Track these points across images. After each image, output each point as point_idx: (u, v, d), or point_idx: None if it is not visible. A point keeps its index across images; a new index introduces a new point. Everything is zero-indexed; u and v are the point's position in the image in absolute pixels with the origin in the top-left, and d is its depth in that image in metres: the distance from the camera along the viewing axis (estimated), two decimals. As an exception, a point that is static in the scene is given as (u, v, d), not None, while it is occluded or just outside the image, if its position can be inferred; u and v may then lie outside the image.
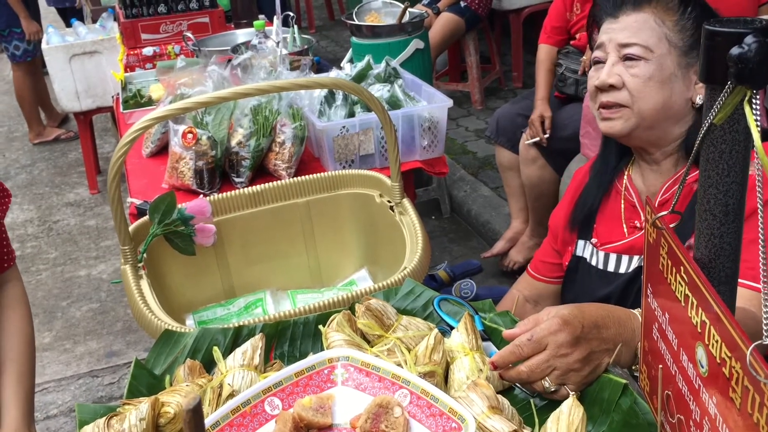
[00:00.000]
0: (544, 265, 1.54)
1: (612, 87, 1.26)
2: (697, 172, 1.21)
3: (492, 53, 4.99)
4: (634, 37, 1.25)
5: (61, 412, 2.57)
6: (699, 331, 0.66)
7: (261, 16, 3.88)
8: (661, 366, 0.77)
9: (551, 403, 0.99)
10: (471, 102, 4.83)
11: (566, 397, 0.97)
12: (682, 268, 0.69)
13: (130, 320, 3.08)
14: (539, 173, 2.86)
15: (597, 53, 1.30)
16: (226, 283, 1.68)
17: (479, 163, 4.09)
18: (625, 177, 1.39)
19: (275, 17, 2.77)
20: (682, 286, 0.69)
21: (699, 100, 1.27)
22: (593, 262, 1.38)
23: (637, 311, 1.02)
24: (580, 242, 1.43)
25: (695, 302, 0.66)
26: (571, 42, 2.85)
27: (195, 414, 0.40)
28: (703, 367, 0.66)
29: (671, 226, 0.74)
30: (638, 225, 1.34)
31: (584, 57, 2.71)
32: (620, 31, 1.26)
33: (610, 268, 1.34)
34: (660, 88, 1.24)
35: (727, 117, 0.58)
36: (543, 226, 3.08)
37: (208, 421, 0.82)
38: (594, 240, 1.39)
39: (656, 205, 1.33)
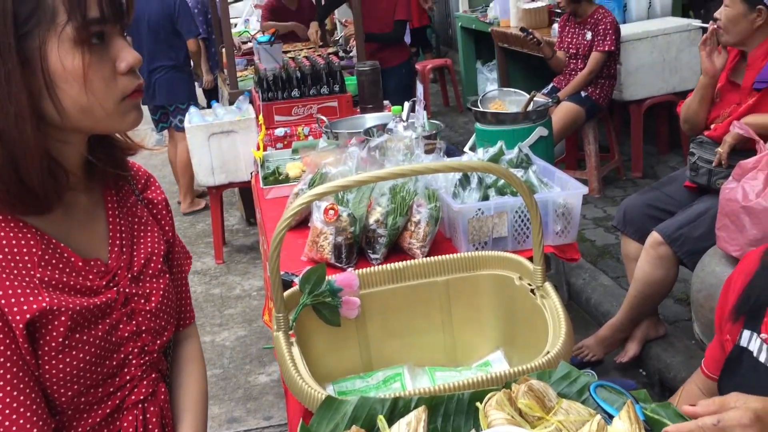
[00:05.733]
0: (714, 362, 1.48)
1: None
2: None
3: (611, 142, 4.97)
4: None
5: (183, 474, 2.63)
6: None
7: (386, 102, 4.07)
8: None
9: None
10: (589, 190, 4.78)
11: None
12: None
13: (250, 388, 3.16)
14: (663, 274, 2.77)
15: None
16: (364, 356, 1.71)
17: (598, 252, 4.03)
18: None
19: (410, 101, 2.89)
20: None
21: None
22: (762, 359, 1.31)
23: None
24: (746, 332, 1.36)
25: None
26: (705, 132, 2.81)
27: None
28: None
29: None
30: None
31: (719, 149, 2.67)
32: None
33: None
34: None
35: None
36: (636, 323, 3.00)
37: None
38: (764, 335, 1.33)
39: None
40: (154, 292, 1.24)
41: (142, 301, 1.22)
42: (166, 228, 1.35)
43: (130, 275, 1.21)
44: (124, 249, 1.23)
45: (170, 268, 1.36)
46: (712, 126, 2.79)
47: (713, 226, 2.46)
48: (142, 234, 1.28)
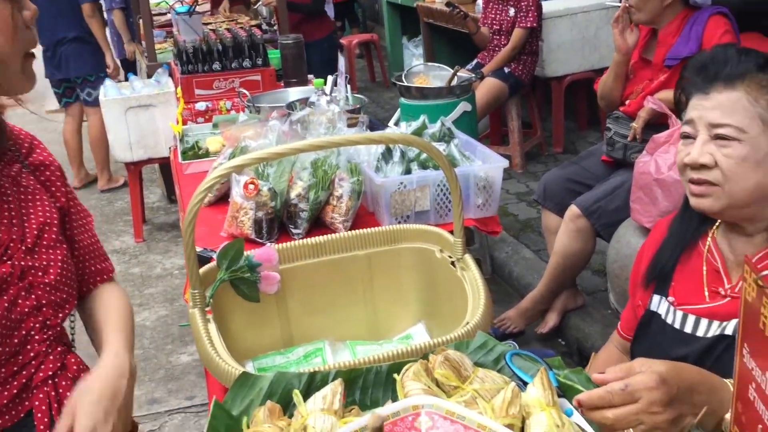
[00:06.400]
0: (629, 325, 1.52)
1: (703, 166, 1.25)
2: None
3: (533, 118, 5.06)
4: (726, 118, 1.22)
5: (101, 458, 2.56)
6: (810, 389, 0.66)
7: (310, 76, 4.01)
8: (760, 426, 0.76)
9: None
10: (512, 165, 4.86)
11: (645, 453, 0.96)
12: (788, 325, 0.69)
13: (171, 368, 3.09)
14: (581, 246, 2.85)
15: (686, 128, 1.29)
16: (285, 331, 1.69)
17: (520, 226, 4.10)
18: (709, 239, 1.37)
19: (334, 75, 2.85)
20: (788, 343, 0.69)
21: None
22: (669, 320, 1.36)
23: (729, 382, 1.01)
24: (656, 297, 1.41)
25: (805, 360, 0.66)
26: (620, 108, 2.88)
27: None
28: (813, 426, 0.66)
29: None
30: (722, 292, 1.32)
31: (634, 124, 2.74)
32: (711, 109, 1.24)
33: (687, 329, 1.33)
34: (754, 169, 1.22)
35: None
36: (555, 295, 3.10)
37: (298, 461, 0.83)
38: (671, 298, 1.38)
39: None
40: (51, 263, 1.18)
41: (40, 273, 1.17)
42: (58, 194, 1.28)
43: (24, 248, 1.15)
44: (14, 221, 1.16)
45: (72, 230, 1.30)
46: (627, 102, 2.86)
47: (628, 199, 2.53)
48: (30, 204, 1.21)
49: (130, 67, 5.77)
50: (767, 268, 1.23)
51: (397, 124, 3.23)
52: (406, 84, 3.45)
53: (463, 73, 3.55)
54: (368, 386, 1.15)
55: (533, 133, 5.08)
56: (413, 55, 7.02)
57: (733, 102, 1.23)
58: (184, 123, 3.69)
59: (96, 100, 4.92)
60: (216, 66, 3.93)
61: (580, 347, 3.07)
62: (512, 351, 1.17)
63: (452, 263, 1.60)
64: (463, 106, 3.38)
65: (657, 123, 2.66)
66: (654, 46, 2.85)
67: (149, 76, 4.52)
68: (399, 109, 3.47)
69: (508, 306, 3.42)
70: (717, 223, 1.36)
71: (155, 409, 2.83)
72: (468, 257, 1.58)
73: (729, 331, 1.27)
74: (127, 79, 4.51)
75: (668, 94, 2.69)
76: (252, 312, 1.63)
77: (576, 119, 5.43)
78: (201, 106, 3.87)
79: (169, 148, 3.26)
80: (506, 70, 4.63)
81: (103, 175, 5.35)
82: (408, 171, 2.18)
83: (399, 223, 2.10)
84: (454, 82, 3.42)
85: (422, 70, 3.79)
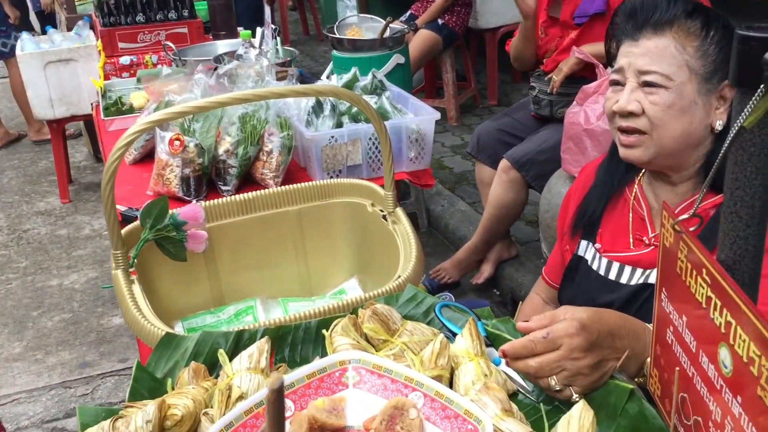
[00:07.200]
0: (555, 271, 1.54)
1: (631, 113, 1.25)
2: (713, 198, 1.24)
3: (468, 71, 5.05)
4: (653, 65, 1.22)
5: (32, 424, 2.50)
6: (723, 331, 0.67)
7: (239, 29, 3.88)
8: (677, 368, 0.78)
9: (555, 410, 1.00)
10: (447, 118, 4.87)
11: (569, 398, 0.98)
12: (704, 270, 0.70)
13: (103, 331, 3.02)
14: (513, 197, 2.88)
15: (615, 76, 1.29)
16: (215, 291, 1.66)
17: (456, 179, 4.12)
18: (636, 187, 1.38)
19: (262, 28, 2.77)
20: (703, 288, 0.70)
21: (719, 126, 1.25)
22: (594, 267, 1.38)
23: (651, 326, 1.03)
24: (583, 242, 1.43)
25: (719, 303, 0.67)
26: (542, 67, 2.89)
27: (279, 394, 0.40)
28: (726, 367, 0.67)
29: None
30: (646, 241, 1.34)
31: (554, 76, 2.75)
32: (640, 56, 1.24)
33: (612, 276, 1.35)
34: (680, 116, 1.23)
35: (757, 120, 0.60)
36: (490, 246, 3.14)
37: (221, 422, 0.81)
38: (598, 245, 1.39)
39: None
40: None
41: None
42: None
43: None
44: None
45: None
46: (545, 61, 2.87)
47: (558, 151, 2.56)
48: None
49: (46, 20, 5.49)
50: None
51: (329, 77, 3.17)
52: (338, 36, 3.37)
53: (396, 25, 3.49)
54: (297, 343, 1.14)
55: (467, 86, 5.07)
56: (347, 7, 6.87)
57: (661, 49, 1.23)
58: (107, 78, 3.55)
59: (12, 50, 4.67)
60: (140, 18, 3.77)
61: (513, 296, 3.13)
62: (442, 302, 1.17)
63: (384, 217, 1.58)
64: (397, 59, 3.32)
65: (579, 76, 2.68)
66: (560, 3, 2.83)
67: (69, 30, 4.31)
68: (331, 62, 3.40)
69: (445, 259, 3.45)
70: (643, 171, 1.38)
71: (87, 373, 2.76)
72: (399, 211, 1.57)
73: (652, 280, 1.29)
74: (44, 33, 4.29)
75: (592, 47, 2.71)
76: (180, 271, 1.58)
77: (510, 71, 5.44)
78: (125, 60, 3.72)
79: (92, 104, 3.13)
80: (440, 21, 4.59)
81: (32, 126, 5.13)
82: (339, 125, 2.15)
83: (331, 177, 2.07)
84: (387, 34, 3.36)
85: (355, 22, 3.72)
